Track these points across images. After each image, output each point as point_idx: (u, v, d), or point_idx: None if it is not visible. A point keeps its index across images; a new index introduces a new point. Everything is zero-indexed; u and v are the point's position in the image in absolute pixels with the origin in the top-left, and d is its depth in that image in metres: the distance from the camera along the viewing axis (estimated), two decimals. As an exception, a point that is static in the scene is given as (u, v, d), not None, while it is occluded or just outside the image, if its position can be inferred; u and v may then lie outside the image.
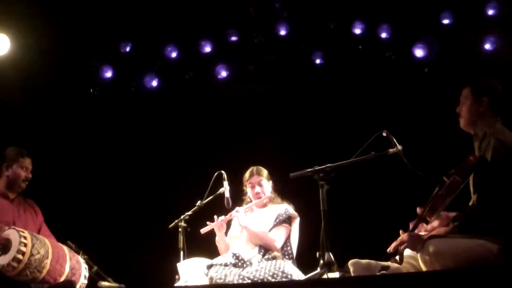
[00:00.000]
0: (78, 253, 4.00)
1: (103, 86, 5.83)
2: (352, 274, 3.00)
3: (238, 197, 4.31)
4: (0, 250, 3.64)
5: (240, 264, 3.78)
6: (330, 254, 3.20)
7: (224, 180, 4.11)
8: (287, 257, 3.97)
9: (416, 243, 2.85)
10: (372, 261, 3.02)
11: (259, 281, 3.56)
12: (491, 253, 2.73)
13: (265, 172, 4.27)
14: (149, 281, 5.08)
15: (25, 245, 3.59)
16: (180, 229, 4.07)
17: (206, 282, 3.66)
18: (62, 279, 3.77)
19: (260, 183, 4.20)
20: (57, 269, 3.73)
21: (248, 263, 3.76)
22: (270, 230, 4.01)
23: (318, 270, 3.21)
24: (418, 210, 2.97)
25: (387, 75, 5.48)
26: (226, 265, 3.65)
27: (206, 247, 4.28)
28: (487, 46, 5.32)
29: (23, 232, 3.67)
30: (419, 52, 5.42)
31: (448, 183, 2.92)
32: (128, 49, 5.80)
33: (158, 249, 5.03)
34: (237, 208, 4.10)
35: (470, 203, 3.01)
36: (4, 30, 5.17)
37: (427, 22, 5.40)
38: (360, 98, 5.49)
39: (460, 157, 2.97)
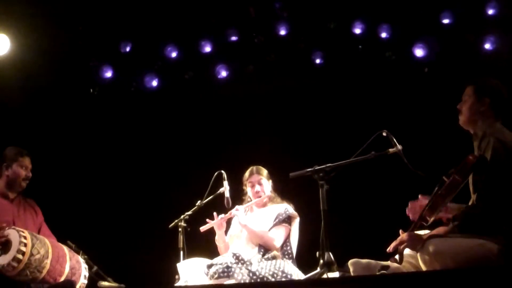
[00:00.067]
0: (78, 253, 4.00)
1: (103, 86, 5.83)
2: (352, 273, 3.00)
3: (238, 197, 4.31)
4: (0, 250, 3.64)
5: (240, 264, 3.77)
6: (330, 253, 3.20)
7: (224, 180, 4.11)
8: (287, 256, 3.97)
9: (416, 243, 2.84)
10: (372, 261, 3.02)
11: (259, 280, 3.57)
12: (491, 253, 2.72)
13: (265, 171, 4.27)
14: (149, 281, 5.08)
15: (25, 245, 3.59)
16: (180, 229, 4.07)
17: (206, 282, 3.66)
18: (62, 279, 3.76)
19: (260, 182, 4.21)
20: (57, 269, 3.73)
21: (248, 262, 3.76)
22: (269, 230, 4.01)
23: (318, 269, 3.21)
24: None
25: (387, 75, 5.48)
26: (227, 266, 3.63)
27: (206, 247, 4.28)
28: (487, 46, 5.33)
29: (23, 232, 3.67)
30: (419, 52, 5.43)
31: (447, 182, 2.92)
32: (128, 49, 5.81)
33: (158, 249, 5.03)
34: (237, 207, 4.09)
35: (470, 203, 3.01)
36: (4, 30, 5.17)
37: (427, 22, 5.40)
38: (360, 98, 5.49)
39: (460, 156, 2.97)
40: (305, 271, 3.71)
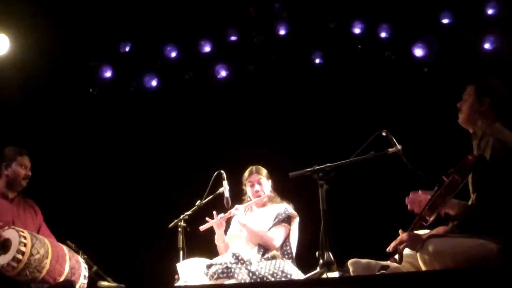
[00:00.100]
0: (77, 253, 4.00)
1: (103, 86, 5.83)
2: (351, 273, 3.00)
3: (237, 197, 4.31)
4: (-1, 250, 3.64)
5: (240, 264, 3.77)
6: (330, 253, 3.21)
7: (224, 180, 4.11)
8: (286, 256, 3.97)
9: (416, 243, 2.84)
10: (372, 261, 3.02)
11: (259, 279, 3.57)
12: (491, 252, 2.72)
13: (264, 171, 4.28)
14: (149, 281, 5.08)
15: (25, 245, 3.59)
16: (179, 229, 4.07)
17: (205, 282, 3.66)
18: (61, 279, 3.76)
19: (259, 181, 4.21)
20: (57, 269, 3.73)
21: (247, 262, 3.76)
22: (269, 229, 4.01)
23: (318, 269, 3.21)
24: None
25: (386, 75, 5.48)
26: (226, 267, 3.63)
27: (206, 247, 4.28)
28: (487, 46, 5.33)
29: (22, 232, 3.67)
30: (418, 52, 5.43)
31: (447, 182, 2.92)
32: (127, 49, 5.81)
33: (158, 249, 5.03)
34: (236, 206, 4.09)
35: (469, 203, 3.01)
36: (4, 30, 5.17)
37: (426, 22, 5.40)
38: (359, 98, 5.49)
39: (459, 156, 2.97)
40: (304, 271, 3.71)
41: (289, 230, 4.07)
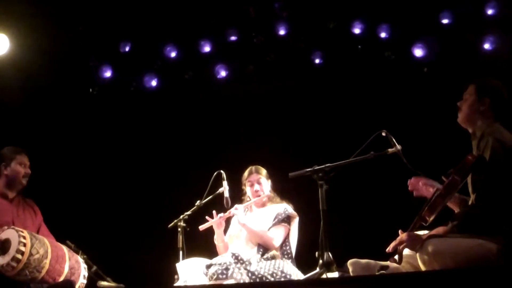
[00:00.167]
0: (77, 252, 4.00)
1: (103, 86, 5.84)
2: (351, 273, 3.00)
3: (237, 197, 4.31)
4: (-1, 250, 3.64)
5: (239, 264, 3.77)
6: (329, 253, 3.20)
7: (224, 180, 4.11)
8: (286, 256, 3.97)
9: (415, 243, 2.84)
10: (371, 261, 3.02)
11: (258, 279, 3.56)
12: (491, 253, 2.72)
13: (264, 170, 4.28)
14: (148, 281, 5.08)
15: (24, 245, 3.59)
16: (179, 229, 4.07)
17: (205, 282, 3.65)
18: (61, 279, 3.76)
19: (259, 181, 4.21)
20: (56, 269, 3.73)
21: (247, 262, 3.76)
22: (269, 229, 4.01)
23: (317, 269, 3.21)
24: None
25: (386, 75, 5.48)
26: (226, 268, 3.62)
27: (205, 247, 4.28)
28: (487, 46, 5.33)
29: (22, 232, 3.67)
30: (418, 52, 5.43)
31: (446, 182, 2.93)
32: (127, 49, 5.81)
33: (157, 249, 5.03)
34: (236, 206, 4.09)
35: (469, 203, 3.01)
36: (4, 30, 5.17)
37: (426, 22, 5.40)
38: (359, 98, 5.49)
39: (459, 156, 2.97)
40: (304, 271, 3.71)
41: (289, 230, 4.07)
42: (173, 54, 5.81)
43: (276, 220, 4.03)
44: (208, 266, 3.68)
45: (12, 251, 3.58)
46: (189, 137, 5.74)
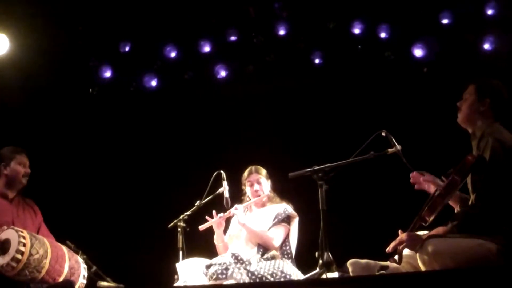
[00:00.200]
0: (77, 253, 4.00)
1: (103, 86, 5.84)
2: (351, 274, 3.00)
3: (237, 197, 4.31)
4: (-1, 250, 3.64)
5: (239, 264, 3.77)
6: (329, 254, 3.20)
7: (223, 180, 4.11)
8: (286, 256, 3.97)
9: (415, 243, 2.84)
10: (371, 261, 3.02)
11: (258, 280, 3.56)
12: (491, 252, 2.72)
13: (263, 170, 4.28)
14: (148, 281, 5.08)
15: (24, 245, 3.59)
16: (179, 229, 4.07)
17: (205, 282, 3.65)
18: (61, 279, 3.76)
19: (258, 181, 4.21)
20: (56, 269, 3.73)
21: (247, 262, 3.76)
22: (269, 229, 4.00)
23: (317, 270, 3.21)
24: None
25: (386, 75, 5.48)
26: (226, 268, 3.62)
27: (205, 247, 4.28)
28: (487, 46, 5.33)
29: (22, 232, 3.67)
30: (418, 52, 5.43)
31: (446, 182, 2.93)
32: (127, 49, 5.81)
33: (157, 249, 5.02)
34: (236, 205, 4.09)
35: (469, 203, 3.01)
36: (4, 30, 5.17)
37: (426, 22, 5.40)
38: (359, 98, 5.49)
39: (459, 156, 2.97)
40: (304, 271, 3.71)
41: (289, 230, 4.07)
42: (173, 54, 5.81)
43: (276, 220, 4.03)
44: (208, 266, 3.68)
45: (12, 251, 3.57)
46: (189, 137, 5.74)
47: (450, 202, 3.10)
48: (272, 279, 3.59)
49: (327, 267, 3.17)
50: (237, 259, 3.75)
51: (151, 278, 5.08)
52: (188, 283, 3.73)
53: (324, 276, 3.16)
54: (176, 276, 3.89)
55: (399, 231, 2.96)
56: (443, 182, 2.95)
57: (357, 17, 5.51)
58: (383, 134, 3.36)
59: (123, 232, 5.44)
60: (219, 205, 4.11)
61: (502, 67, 4.92)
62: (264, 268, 3.67)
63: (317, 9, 5.54)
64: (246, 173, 4.28)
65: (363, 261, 3.02)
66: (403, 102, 5.34)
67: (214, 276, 3.56)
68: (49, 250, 3.71)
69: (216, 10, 5.68)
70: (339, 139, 5.19)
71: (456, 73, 5.10)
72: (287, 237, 4.05)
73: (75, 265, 3.86)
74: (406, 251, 2.94)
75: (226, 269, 3.59)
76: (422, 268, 2.80)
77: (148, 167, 5.73)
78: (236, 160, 4.66)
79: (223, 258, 3.77)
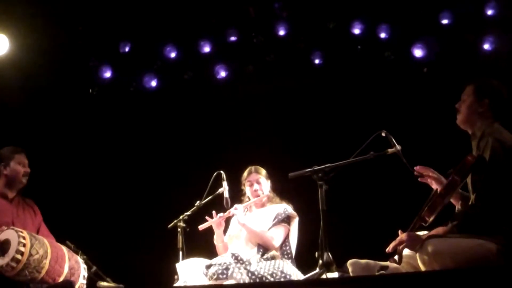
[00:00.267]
0: (77, 253, 4.00)
1: (102, 86, 5.84)
2: (351, 274, 3.00)
3: (237, 197, 4.31)
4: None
5: (239, 264, 3.77)
6: (329, 254, 3.20)
7: (223, 180, 4.11)
8: (286, 256, 3.97)
9: (415, 243, 2.84)
10: (371, 261, 3.02)
11: (258, 280, 3.56)
12: (491, 253, 2.72)
13: (263, 170, 4.28)
14: (148, 281, 5.08)
15: (24, 245, 3.59)
16: (179, 229, 4.07)
17: (205, 282, 3.65)
18: (61, 279, 3.76)
19: (258, 181, 4.21)
20: (56, 269, 3.73)
21: (247, 262, 3.76)
22: (269, 230, 4.00)
23: (317, 270, 3.21)
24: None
25: (386, 75, 5.48)
26: (226, 268, 3.62)
27: (205, 247, 4.28)
28: (486, 46, 5.33)
29: (21, 232, 3.67)
30: (418, 52, 5.43)
31: (446, 182, 2.93)
32: (127, 49, 5.81)
33: (157, 249, 5.03)
34: (236, 205, 4.09)
35: (469, 203, 3.01)
36: (4, 30, 5.17)
37: (426, 22, 5.40)
38: (359, 98, 5.50)
39: (459, 156, 2.97)
40: (304, 271, 3.71)
41: (289, 230, 4.07)
42: (173, 54, 5.81)
43: (276, 220, 4.03)
44: (208, 267, 3.68)
45: (11, 252, 3.57)
46: (189, 137, 5.74)
47: (452, 200, 3.10)
48: (272, 279, 3.59)
49: (327, 267, 3.17)
50: (237, 259, 3.75)
51: (151, 278, 5.08)
52: (188, 283, 3.73)
53: (324, 276, 3.16)
54: (176, 276, 3.89)
55: (399, 231, 2.96)
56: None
57: (357, 17, 5.51)
58: (383, 134, 3.36)
59: (123, 232, 5.44)
60: (219, 205, 4.11)
61: (502, 67, 4.92)
62: (264, 268, 3.67)
63: (317, 9, 5.54)
64: (245, 173, 4.28)
65: (363, 261, 3.02)
66: (403, 102, 5.34)
67: (215, 276, 3.56)
68: (49, 251, 3.71)
69: (216, 10, 5.69)
70: (339, 139, 5.19)
71: (456, 73, 5.10)
72: (287, 237, 4.05)
73: (75, 265, 3.86)
74: (406, 251, 2.94)
75: (227, 268, 3.59)
76: (422, 268, 2.80)
77: (148, 167, 5.73)
78: (236, 160, 4.66)
79: (223, 258, 3.77)
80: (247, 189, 4.26)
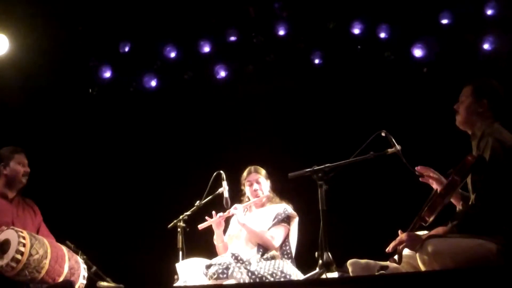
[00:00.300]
0: (77, 253, 4.00)
1: (102, 86, 5.84)
2: (350, 274, 3.00)
3: (237, 197, 4.31)
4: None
5: (239, 264, 3.77)
6: (329, 254, 3.20)
7: (223, 180, 4.11)
8: (286, 256, 3.97)
9: (415, 243, 2.84)
10: (371, 261, 3.02)
11: (258, 279, 3.56)
12: (491, 252, 2.72)
13: (263, 170, 4.28)
14: (148, 281, 5.08)
15: (24, 245, 3.59)
16: (179, 229, 4.07)
17: (205, 282, 3.65)
18: (61, 279, 3.76)
19: (258, 180, 4.21)
20: (56, 269, 3.73)
21: (247, 262, 3.76)
22: (269, 229, 4.00)
23: (317, 270, 3.21)
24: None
25: (386, 75, 5.48)
26: (226, 267, 3.62)
27: (205, 247, 4.28)
28: (486, 46, 5.33)
29: (21, 232, 3.67)
30: (418, 52, 5.43)
31: (446, 182, 2.93)
32: (127, 49, 5.81)
33: (157, 249, 5.02)
34: (235, 205, 4.09)
35: (469, 203, 3.01)
36: (4, 30, 5.17)
37: (426, 22, 5.40)
38: (359, 98, 5.50)
39: (459, 156, 2.97)
40: (304, 271, 3.71)
41: (289, 230, 4.07)
42: (172, 54, 5.81)
43: (276, 220, 4.03)
44: (208, 266, 3.67)
45: (11, 252, 3.57)
46: (188, 137, 5.74)
47: (452, 200, 3.10)
48: (272, 279, 3.59)
49: (327, 267, 3.17)
50: (237, 259, 3.75)
51: (151, 278, 5.08)
52: (188, 283, 3.73)
53: (324, 276, 3.16)
54: (176, 276, 3.89)
55: (399, 231, 2.96)
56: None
57: (357, 17, 5.51)
58: (383, 134, 3.36)
59: (123, 232, 5.44)
60: (219, 205, 4.11)
61: (502, 67, 4.92)
62: (264, 268, 3.67)
63: (317, 9, 5.54)
64: (245, 173, 4.28)
65: (363, 261, 3.02)
66: (403, 102, 5.34)
67: (215, 276, 3.56)
68: (49, 251, 3.71)
69: (216, 10, 5.69)
70: (339, 139, 5.19)
71: (456, 73, 5.10)
72: (287, 237, 4.05)
73: (75, 265, 3.87)
74: (406, 251, 2.94)
75: (227, 268, 3.59)
76: (422, 268, 2.80)
77: (148, 167, 5.73)
78: (236, 160, 4.66)
79: (223, 258, 3.77)
80: (246, 189, 4.26)
